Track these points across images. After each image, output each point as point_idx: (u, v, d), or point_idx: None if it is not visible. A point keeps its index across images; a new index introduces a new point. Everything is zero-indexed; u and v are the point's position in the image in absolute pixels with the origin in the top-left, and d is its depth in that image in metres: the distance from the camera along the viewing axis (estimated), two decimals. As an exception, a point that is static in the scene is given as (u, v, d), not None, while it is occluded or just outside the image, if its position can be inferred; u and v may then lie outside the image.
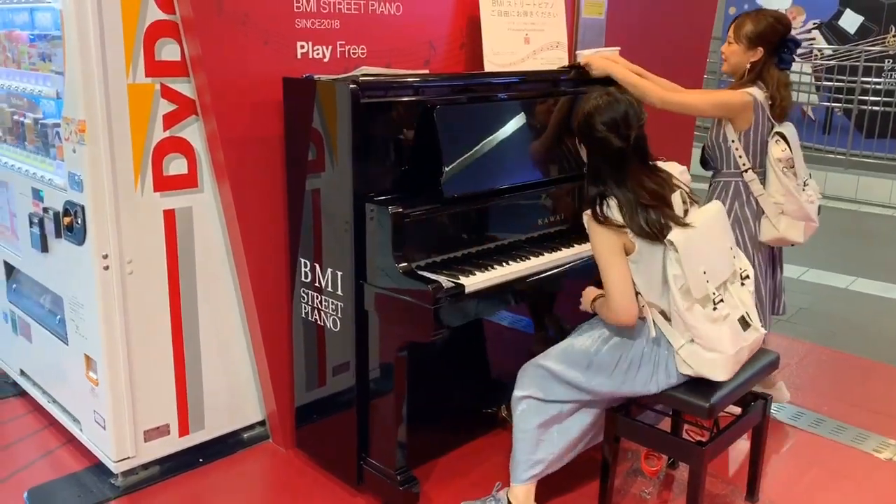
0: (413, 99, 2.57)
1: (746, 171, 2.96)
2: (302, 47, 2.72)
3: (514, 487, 2.52)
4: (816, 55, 9.31)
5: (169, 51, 2.55)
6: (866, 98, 8.67)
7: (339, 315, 2.59)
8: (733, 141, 2.94)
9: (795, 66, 8.69)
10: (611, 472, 2.55)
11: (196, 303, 2.80)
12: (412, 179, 2.61)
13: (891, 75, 8.85)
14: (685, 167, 2.45)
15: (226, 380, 2.94)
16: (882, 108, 8.59)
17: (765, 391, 2.97)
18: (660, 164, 2.37)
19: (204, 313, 2.82)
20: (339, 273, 2.55)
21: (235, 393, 2.99)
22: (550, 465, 2.51)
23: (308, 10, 2.71)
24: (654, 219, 2.22)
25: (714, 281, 2.27)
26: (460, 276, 2.45)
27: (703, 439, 2.43)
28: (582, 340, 2.45)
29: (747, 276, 2.40)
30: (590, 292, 2.49)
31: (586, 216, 2.29)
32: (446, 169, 2.55)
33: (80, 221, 2.53)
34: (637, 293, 2.30)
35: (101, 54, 2.39)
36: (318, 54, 2.77)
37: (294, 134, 2.62)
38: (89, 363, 2.73)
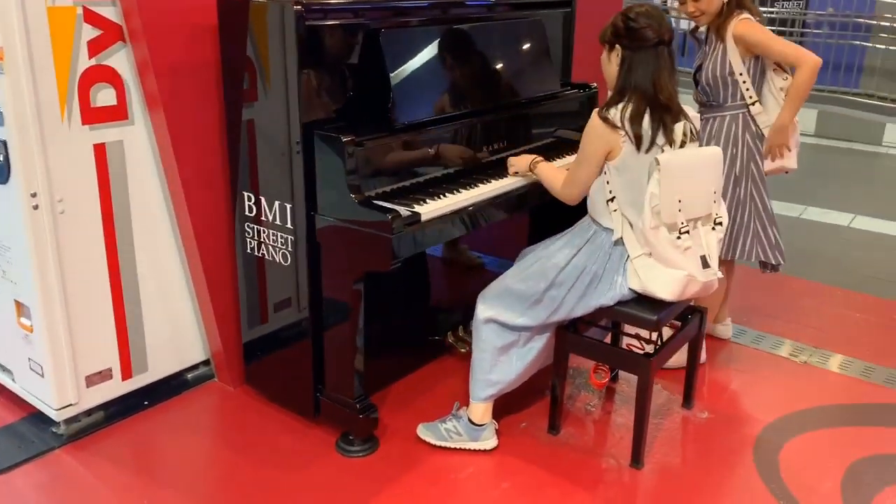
0: (358, 22, 2.50)
1: (753, 103, 2.96)
2: (234, -33, 2.58)
3: (472, 405, 2.59)
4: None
5: (90, -30, 2.37)
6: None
7: (290, 248, 2.54)
8: (741, 73, 2.92)
9: None
10: (560, 387, 2.66)
11: (133, 242, 2.68)
12: (358, 107, 2.56)
13: (783, 4, 9.20)
14: (698, 113, 2.55)
15: (167, 320, 2.85)
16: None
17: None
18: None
19: (141, 252, 2.71)
20: (288, 206, 2.49)
21: (177, 333, 2.91)
22: (507, 386, 2.59)
23: (238, -73, 2.55)
24: (654, 127, 2.31)
25: (686, 213, 2.36)
26: (414, 205, 2.44)
27: (644, 351, 2.55)
28: (544, 258, 2.53)
29: (720, 223, 2.49)
30: (524, 158, 2.69)
31: (595, 112, 2.37)
32: (394, 96, 2.50)
33: (2, 157, 2.35)
34: (612, 198, 2.40)
35: (16, -27, 2.19)
36: (250, -24, 2.62)
37: (232, 60, 2.50)
38: (20, 309, 2.59)
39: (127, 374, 2.77)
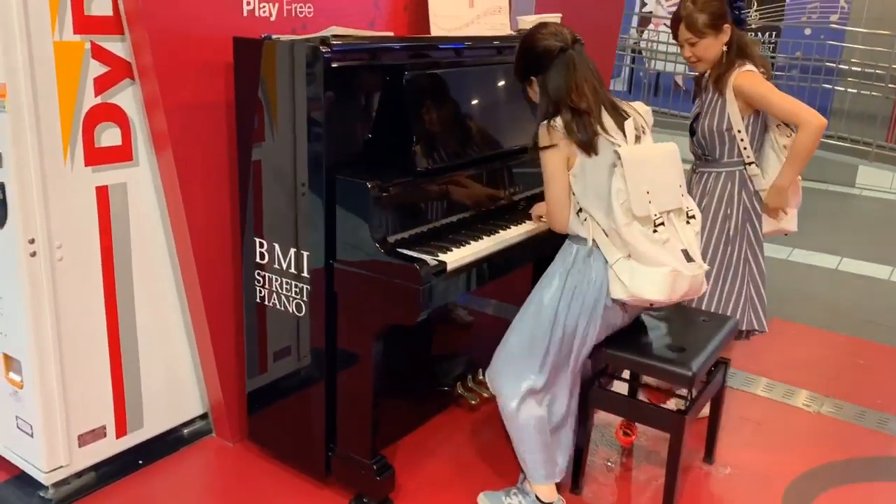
0: (381, 63, 2.40)
1: (751, 163, 2.80)
2: (248, 4, 2.46)
3: (536, 486, 2.44)
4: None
5: (100, 4, 2.23)
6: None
7: (304, 298, 2.40)
8: (739, 130, 2.75)
9: (666, 38, 9.07)
10: (585, 445, 2.55)
11: (132, 290, 2.50)
12: (377, 149, 2.45)
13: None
14: (650, 108, 2.43)
15: (165, 372, 2.67)
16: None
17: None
18: (625, 104, 2.33)
19: (141, 301, 2.54)
20: (305, 254, 2.35)
21: (175, 386, 2.72)
22: (565, 459, 2.48)
23: (254, -38, 2.45)
24: (588, 128, 2.19)
25: (657, 205, 2.21)
26: (438, 253, 2.32)
27: (677, 408, 2.46)
28: (536, 301, 2.39)
29: (693, 217, 2.34)
30: (540, 206, 2.59)
31: (541, 127, 2.25)
32: (417, 139, 2.40)
33: (0, 201, 2.18)
34: (579, 210, 2.28)
35: (22, 6, 2.04)
36: (264, 12, 2.52)
37: (247, 100, 2.37)
38: (9, 363, 2.39)
39: (121, 431, 2.58)
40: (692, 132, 2.93)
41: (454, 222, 2.57)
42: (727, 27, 2.71)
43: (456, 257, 2.33)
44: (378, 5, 2.94)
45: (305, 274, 2.37)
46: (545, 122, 2.24)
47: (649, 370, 2.40)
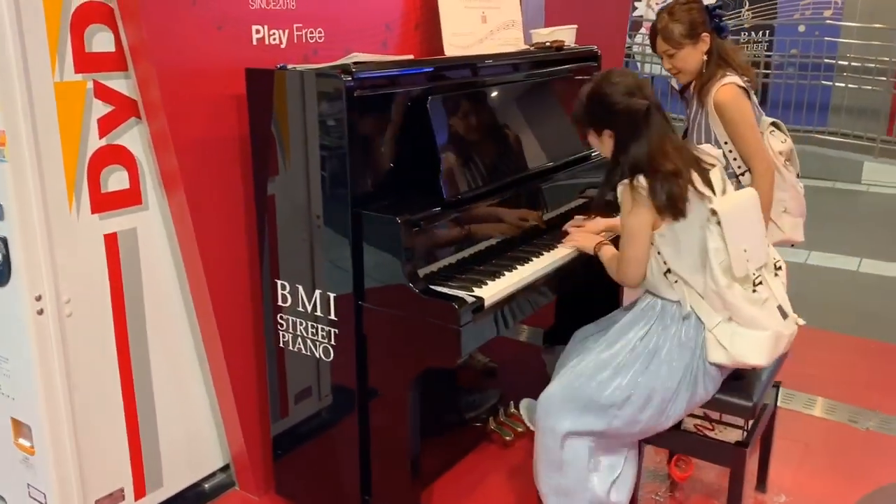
0: (404, 90, 2.25)
1: (743, 173, 2.64)
2: (257, 31, 2.32)
3: None
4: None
5: (101, 40, 2.08)
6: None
7: (332, 342, 2.24)
8: (726, 142, 2.62)
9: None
10: (639, 479, 2.39)
11: (147, 342, 2.34)
12: (401, 178, 2.30)
13: (747, 47, 9.33)
14: (720, 151, 2.32)
15: (184, 427, 2.51)
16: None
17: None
18: (701, 151, 2.21)
19: (156, 353, 2.38)
20: (332, 295, 2.20)
21: (194, 439, 2.56)
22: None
23: (263, -13, 2.30)
24: (676, 192, 2.05)
25: (754, 262, 2.12)
26: (473, 288, 2.18)
27: (738, 440, 2.31)
28: (602, 350, 2.25)
29: (780, 268, 2.27)
30: (586, 234, 2.46)
31: (622, 186, 2.11)
32: (443, 166, 2.25)
33: (2, 257, 2.01)
34: (669, 269, 2.14)
35: (19, 46, 1.89)
36: (274, 39, 2.37)
37: (263, 134, 2.22)
38: (18, 428, 2.22)
39: (140, 492, 2.41)
40: None
41: (482, 251, 2.42)
42: (706, 36, 2.60)
43: (493, 291, 2.18)
44: (389, 26, 2.80)
45: (332, 316, 2.21)
46: (627, 181, 2.10)
47: (707, 402, 2.25)
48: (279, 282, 2.31)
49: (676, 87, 2.84)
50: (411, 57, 2.49)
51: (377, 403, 2.25)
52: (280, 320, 2.34)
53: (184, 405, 2.50)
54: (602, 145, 2.20)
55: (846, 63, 8.24)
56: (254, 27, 2.30)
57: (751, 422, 2.29)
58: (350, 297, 2.17)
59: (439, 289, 2.12)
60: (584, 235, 2.50)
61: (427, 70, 2.38)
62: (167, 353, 2.41)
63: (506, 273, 2.30)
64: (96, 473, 2.26)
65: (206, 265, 2.31)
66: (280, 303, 2.33)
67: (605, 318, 2.51)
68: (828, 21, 8.65)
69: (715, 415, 2.46)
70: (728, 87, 2.57)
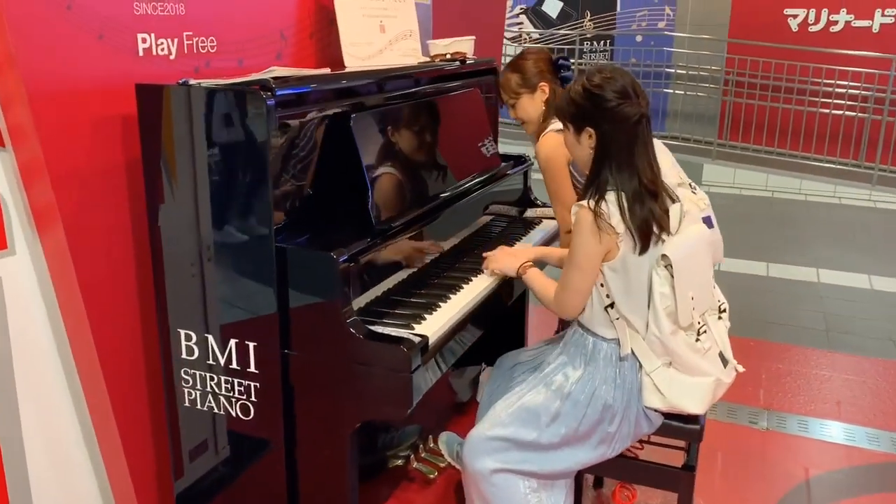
0: (326, 107, 2.01)
1: None
2: (143, 41, 1.98)
3: None
4: (525, 39, 9.87)
5: (-50, 49, 1.67)
6: (573, 77, 9.38)
7: (253, 398, 1.95)
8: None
9: (509, 50, 9.13)
10: (580, 513, 2.29)
11: (17, 413, 1.94)
12: (324, 206, 2.06)
13: (590, 56, 9.70)
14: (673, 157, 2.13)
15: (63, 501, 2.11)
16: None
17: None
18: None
19: (29, 425, 1.97)
20: (251, 344, 1.91)
21: (78, 520, 2.16)
22: None
23: (148, -11, 1.97)
24: (658, 214, 1.89)
25: (699, 309, 2.02)
26: (412, 324, 1.98)
27: (684, 464, 2.26)
28: (534, 394, 2.08)
29: (725, 310, 2.16)
30: (506, 257, 2.28)
31: (580, 207, 1.91)
32: (373, 192, 2.03)
33: None
34: (612, 304, 1.98)
35: None
36: (162, 50, 2.04)
37: (160, 161, 1.89)
38: None
39: None
40: None
41: (407, 280, 2.21)
42: (544, 85, 2.50)
43: (435, 327, 1.99)
44: (284, 34, 2.52)
45: (252, 368, 1.93)
46: (589, 202, 1.88)
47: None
48: (182, 331, 1.99)
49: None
50: (327, 70, 2.24)
51: (308, 465, 1.99)
52: (185, 376, 2.02)
53: (65, 480, 2.10)
54: (578, 148, 1.98)
55: (682, 71, 8.76)
56: (139, 36, 1.96)
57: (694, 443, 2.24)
58: (274, 345, 1.89)
59: (375, 328, 1.90)
60: (505, 258, 2.31)
61: (353, 85, 2.15)
62: (43, 422, 2.01)
63: (441, 304, 2.12)
64: (-41, 581, 1.84)
65: (91, 315, 1.95)
66: (184, 355, 2.00)
67: (534, 348, 2.38)
68: (664, 32, 9.16)
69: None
70: (550, 135, 2.44)
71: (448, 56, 2.89)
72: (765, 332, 4.20)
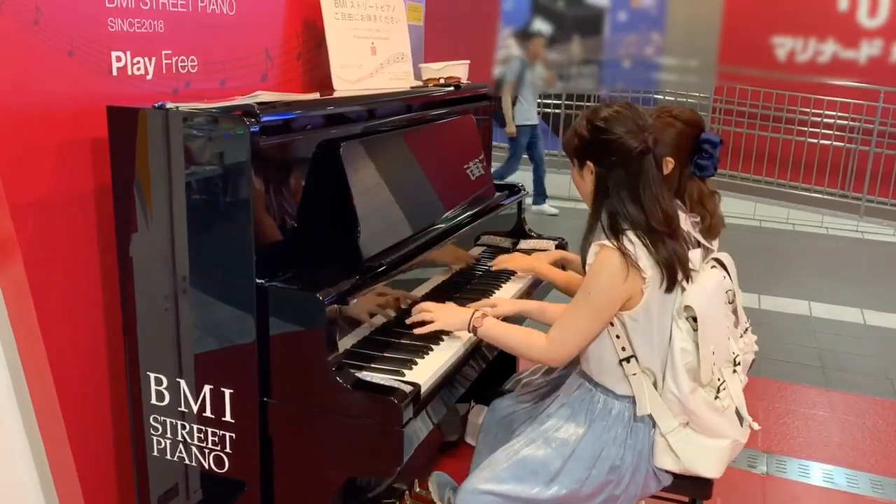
0: (312, 134, 1.87)
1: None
2: (118, 59, 1.83)
3: None
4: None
5: None
6: (560, 102, 9.31)
7: (228, 449, 1.79)
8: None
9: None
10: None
11: (-33, 463, 1.76)
12: (308, 241, 1.91)
13: (577, 81, 9.65)
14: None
15: (18, 565, 1.93)
16: (575, 111, 9.32)
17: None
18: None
19: (-20, 476, 1.80)
20: (227, 391, 1.75)
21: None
22: None
23: (124, 3, 1.82)
24: (682, 255, 1.77)
25: (718, 364, 1.88)
26: (403, 370, 1.82)
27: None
28: (533, 448, 1.91)
29: (739, 363, 1.99)
30: (451, 311, 1.97)
31: (601, 247, 1.76)
32: (363, 225, 1.89)
33: None
34: (627, 358, 1.83)
35: None
36: (138, 69, 1.89)
37: (131, 191, 1.73)
38: None
39: None
40: None
41: (395, 319, 2.06)
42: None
43: (427, 374, 1.83)
44: (270, 55, 2.38)
45: (228, 417, 1.77)
46: (611, 240, 1.75)
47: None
48: (152, 375, 1.82)
49: None
50: (316, 95, 2.10)
51: (287, 521, 1.82)
52: (154, 423, 1.85)
53: (18, 537, 1.92)
54: (582, 183, 1.87)
55: (670, 98, 8.73)
56: (113, 54, 1.81)
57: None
58: (252, 393, 1.73)
59: (363, 375, 1.75)
60: (446, 312, 1.98)
61: (343, 111, 2.01)
62: (-5, 473, 1.84)
63: (433, 347, 1.96)
64: None
65: (51, 357, 1.78)
66: (154, 401, 1.84)
67: (531, 395, 2.22)
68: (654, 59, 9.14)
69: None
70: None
71: (442, 80, 2.77)
72: (760, 368, 4.08)
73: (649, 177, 1.77)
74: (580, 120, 1.83)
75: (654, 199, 1.77)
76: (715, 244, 2.11)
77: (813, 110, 7.81)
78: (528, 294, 2.45)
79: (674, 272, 1.75)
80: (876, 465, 3.13)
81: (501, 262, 2.42)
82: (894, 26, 7.72)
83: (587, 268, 1.80)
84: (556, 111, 9.28)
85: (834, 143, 7.84)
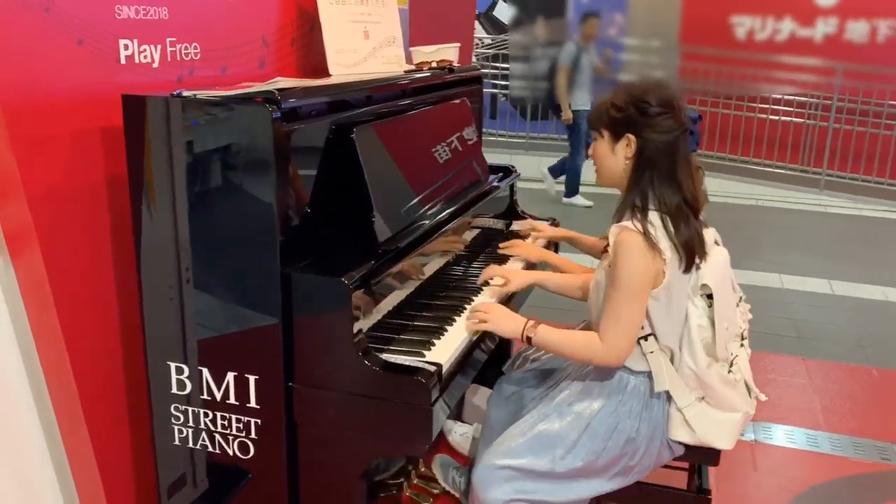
0: (329, 120, 1.87)
1: None
2: (126, 47, 1.81)
3: None
4: (478, 44, 9.81)
5: (-87, 56, 1.48)
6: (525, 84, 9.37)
7: (253, 435, 1.80)
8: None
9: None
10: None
11: (-13, 459, 1.74)
12: (323, 226, 1.91)
13: (540, 62, 9.70)
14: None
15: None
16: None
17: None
18: None
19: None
20: (251, 378, 1.76)
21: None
22: None
23: (130, -10, 1.80)
24: (701, 235, 1.82)
25: (731, 338, 1.95)
26: (423, 351, 1.85)
27: (698, 487, 2.18)
28: (548, 422, 1.95)
29: (745, 337, 2.06)
30: (512, 319, 1.96)
31: (622, 229, 1.79)
32: (378, 209, 1.90)
33: None
34: (646, 336, 1.88)
35: None
36: (145, 57, 1.87)
37: (150, 180, 1.72)
38: None
39: None
40: None
41: (406, 301, 2.08)
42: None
43: (446, 353, 1.86)
44: (266, 41, 2.37)
45: (253, 403, 1.77)
46: (633, 222, 1.78)
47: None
48: (173, 364, 1.82)
49: None
50: (328, 80, 2.09)
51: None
52: (175, 412, 1.85)
53: (37, 531, 1.91)
54: (610, 157, 1.87)
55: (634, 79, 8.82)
56: (121, 42, 1.79)
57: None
58: (277, 378, 1.74)
59: (385, 357, 1.77)
60: (501, 318, 1.97)
61: (357, 96, 2.02)
62: (12, 461, 1.82)
63: (448, 328, 2.00)
64: None
65: (70, 346, 1.76)
66: (175, 390, 1.83)
67: (536, 371, 2.27)
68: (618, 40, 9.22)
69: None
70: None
71: (434, 64, 2.78)
72: (739, 339, 4.21)
73: (685, 155, 1.84)
74: (619, 93, 1.85)
75: (689, 177, 1.84)
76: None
77: (774, 87, 7.99)
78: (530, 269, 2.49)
79: (692, 254, 1.80)
80: (856, 429, 3.26)
81: (514, 247, 2.46)
82: (848, 5, 7.92)
83: (610, 249, 1.84)
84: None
85: (794, 119, 8.03)
